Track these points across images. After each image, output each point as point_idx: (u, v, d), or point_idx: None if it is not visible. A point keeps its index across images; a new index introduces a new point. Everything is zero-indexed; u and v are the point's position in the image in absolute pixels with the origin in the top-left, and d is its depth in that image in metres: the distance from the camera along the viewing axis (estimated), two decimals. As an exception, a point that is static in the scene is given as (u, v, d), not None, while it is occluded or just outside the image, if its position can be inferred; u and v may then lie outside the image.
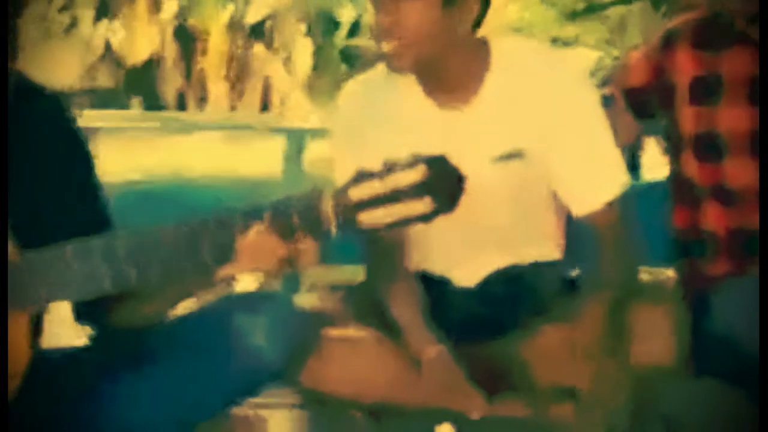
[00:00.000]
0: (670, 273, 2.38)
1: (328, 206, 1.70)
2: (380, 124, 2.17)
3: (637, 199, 2.23)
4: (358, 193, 1.69)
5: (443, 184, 1.69)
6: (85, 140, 1.93)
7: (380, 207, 1.69)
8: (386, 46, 2.11)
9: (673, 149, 2.39)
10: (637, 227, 2.22)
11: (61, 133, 1.90)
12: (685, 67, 2.32)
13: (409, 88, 2.19)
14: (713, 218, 2.31)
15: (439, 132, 2.15)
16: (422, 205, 1.68)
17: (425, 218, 1.70)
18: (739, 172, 2.28)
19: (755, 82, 2.28)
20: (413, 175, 1.68)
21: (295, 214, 1.71)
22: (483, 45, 2.18)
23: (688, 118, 2.32)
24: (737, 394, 2.09)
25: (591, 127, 2.18)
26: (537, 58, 2.22)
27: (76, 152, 1.92)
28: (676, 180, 2.38)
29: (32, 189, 1.83)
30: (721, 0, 2.31)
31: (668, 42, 2.35)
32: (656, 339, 2.10)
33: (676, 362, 2.12)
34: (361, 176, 1.70)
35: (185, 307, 1.91)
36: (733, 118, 2.28)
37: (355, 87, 2.27)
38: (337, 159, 2.18)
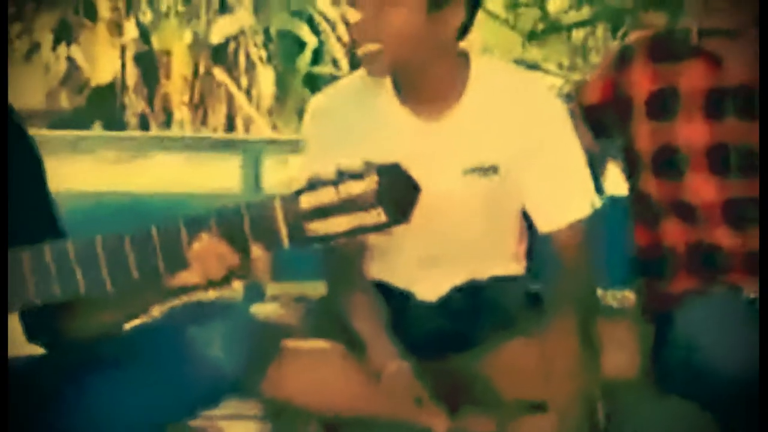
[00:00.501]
0: (631, 295, 2.37)
1: (279, 214, 1.66)
2: (352, 133, 2.15)
3: (600, 219, 2.22)
4: (309, 200, 1.65)
5: (396, 193, 1.66)
6: (38, 153, 1.93)
7: (331, 216, 1.65)
8: (366, 48, 2.09)
9: (631, 167, 2.38)
10: (600, 248, 2.21)
11: (13, 145, 1.89)
12: (641, 83, 2.32)
13: (385, 95, 2.18)
14: (672, 234, 2.31)
15: (413, 141, 2.14)
16: (374, 215, 1.65)
17: (377, 228, 1.66)
18: (699, 187, 2.28)
19: (712, 94, 2.28)
20: (365, 184, 1.65)
21: (246, 223, 1.67)
22: (464, 58, 2.18)
23: (645, 135, 2.32)
24: (702, 414, 2.07)
25: (564, 147, 2.19)
26: (514, 76, 2.24)
27: (28, 164, 1.91)
28: (636, 198, 2.37)
29: None
30: (676, 18, 2.33)
31: (623, 58, 2.36)
32: (618, 354, 2.09)
33: (638, 380, 2.11)
34: (313, 183, 1.66)
35: (143, 318, 1.88)
36: (691, 132, 2.28)
37: (323, 98, 2.26)
38: (305, 169, 2.14)
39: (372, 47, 2.09)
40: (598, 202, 2.20)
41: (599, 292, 2.29)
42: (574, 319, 2.07)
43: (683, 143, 2.28)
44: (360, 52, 2.12)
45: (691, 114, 2.27)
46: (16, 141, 1.90)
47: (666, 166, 2.29)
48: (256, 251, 1.68)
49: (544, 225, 2.20)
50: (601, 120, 2.38)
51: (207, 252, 1.68)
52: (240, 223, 1.68)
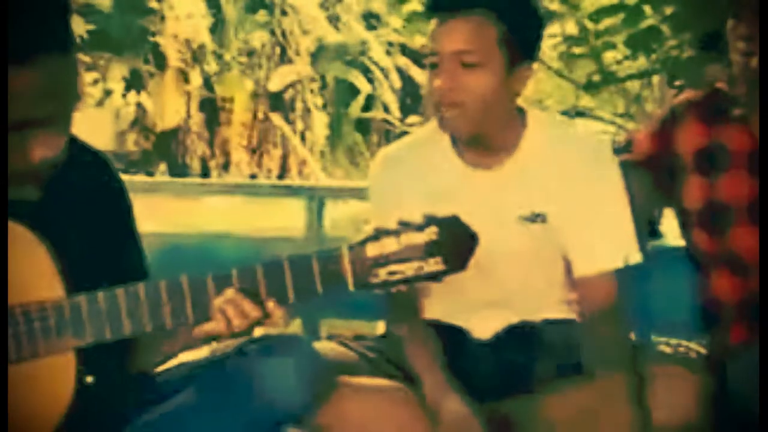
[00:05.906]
0: (689, 344, 2.29)
1: (345, 261, 1.73)
2: (413, 184, 2.15)
3: (659, 266, 2.18)
4: (373, 249, 1.73)
5: (454, 243, 1.74)
6: (128, 195, 1.95)
7: (393, 264, 1.73)
8: (446, 112, 2.08)
9: (682, 221, 2.33)
10: (658, 297, 2.18)
11: (107, 187, 1.91)
12: (690, 140, 2.27)
13: (443, 148, 2.17)
14: (723, 287, 2.25)
15: (469, 191, 2.12)
16: (432, 263, 1.73)
17: (436, 276, 1.73)
18: (746, 241, 2.22)
19: (752, 155, 2.22)
20: (424, 235, 1.73)
21: (315, 264, 1.74)
22: (521, 114, 2.17)
23: (693, 190, 2.28)
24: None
25: (609, 199, 2.15)
26: (568, 130, 2.22)
27: (120, 205, 1.92)
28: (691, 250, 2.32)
29: (83, 238, 1.82)
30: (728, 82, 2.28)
31: (674, 118, 2.32)
32: (672, 402, 2.01)
33: (693, 427, 2.02)
34: (378, 234, 1.74)
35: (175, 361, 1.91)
36: (736, 187, 2.23)
37: (391, 150, 2.27)
38: (372, 217, 2.17)
39: (454, 110, 2.08)
40: (634, 258, 2.11)
41: (655, 338, 2.21)
42: (612, 372, 2.00)
43: (729, 198, 2.23)
44: (444, 115, 2.09)
45: (737, 170, 2.23)
46: (113, 185, 1.92)
47: (714, 220, 2.24)
48: (272, 306, 1.75)
49: (576, 270, 2.14)
50: (654, 174, 2.34)
51: (232, 306, 1.74)
52: (309, 268, 1.74)
